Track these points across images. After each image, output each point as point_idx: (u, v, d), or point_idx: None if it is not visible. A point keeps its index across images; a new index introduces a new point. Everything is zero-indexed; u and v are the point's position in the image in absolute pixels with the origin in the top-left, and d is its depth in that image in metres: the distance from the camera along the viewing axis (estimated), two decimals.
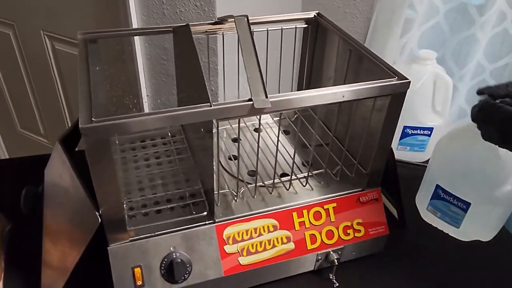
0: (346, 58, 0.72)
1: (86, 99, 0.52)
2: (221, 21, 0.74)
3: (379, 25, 1.21)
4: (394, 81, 0.59)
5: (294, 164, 0.68)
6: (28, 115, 1.70)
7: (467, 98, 1.23)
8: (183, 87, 0.78)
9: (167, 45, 1.12)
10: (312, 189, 0.70)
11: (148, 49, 1.15)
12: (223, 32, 0.75)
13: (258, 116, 0.60)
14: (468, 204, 0.72)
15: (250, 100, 0.53)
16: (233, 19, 0.64)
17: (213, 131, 0.55)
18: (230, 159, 0.76)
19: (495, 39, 1.15)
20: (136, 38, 1.12)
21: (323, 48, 0.81)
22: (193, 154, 0.75)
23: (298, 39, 0.82)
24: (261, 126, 0.86)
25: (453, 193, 0.73)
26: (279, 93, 0.86)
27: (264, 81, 0.54)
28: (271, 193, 0.68)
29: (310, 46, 0.84)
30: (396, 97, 0.60)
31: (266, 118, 0.88)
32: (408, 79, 0.59)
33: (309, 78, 0.88)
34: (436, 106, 0.91)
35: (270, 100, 0.53)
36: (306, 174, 0.71)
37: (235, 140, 0.82)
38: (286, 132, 0.85)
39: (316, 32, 0.82)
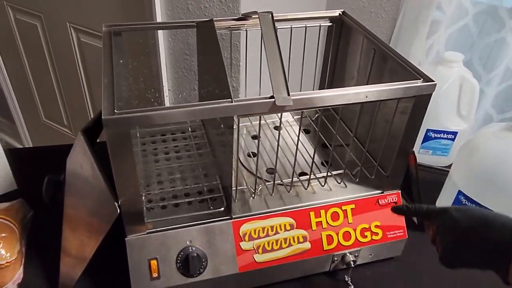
0: (370, 57, 0.70)
1: (109, 91, 0.53)
2: (245, 17, 0.74)
3: (405, 26, 1.19)
4: (419, 83, 0.58)
5: (314, 164, 0.68)
6: (52, 105, 1.74)
7: (494, 103, 1.19)
8: (205, 83, 0.78)
9: (190, 40, 1.13)
10: (331, 189, 0.69)
11: (171, 44, 1.16)
12: (246, 29, 0.75)
13: (279, 114, 0.60)
14: None
15: (272, 97, 0.53)
16: (257, 15, 0.64)
17: (234, 127, 0.55)
18: (249, 156, 0.76)
19: None
20: (160, 32, 1.13)
21: (346, 47, 0.80)
22: (212, 149, 0.75)
23: (321, 37, 0.81)
24: (281, 124, 0.85)
25: (475, 200, 0.71)
26: (301, 91, 0.87)
27: (287, 78, 0.54)
28: (289, 192, 0.67)
29: (334, 45, 0.83)
30: (420, 99, 0.59)
31: (287, 116, 0.87)
32: (434, 81, 0.58)
33: (331, 77, 0.87)
34: (462, 110, 0.89)
35: (292, 98, 0.53)
36: (325, 174, 0.70)
37: (255, 137, 0.81)
38: (306, 131, 0.85)
39: (341, 31, 0.81)
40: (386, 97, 0.57)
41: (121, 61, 0.70)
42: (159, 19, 1.13)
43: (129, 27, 0.70)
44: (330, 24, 0.80)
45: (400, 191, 0.70)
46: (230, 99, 0.52)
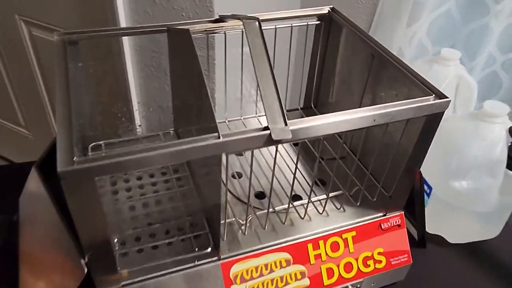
0: (366, 62, 0.62)
1: (65, 129, 0.42)
2: (223, 18, 0.64)
3: (386, 11, 1.12)
4: (431, 100, 0.50)
5: (309, 186, 0.60)
6: (6, 104, 1.58)
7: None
8: (180, 95, 0.68)
9: (158, 35, 1.01)
10: (328, 214, 0.62)
11: (136, 39, 1.04)
12: (225, 31, 0.65)
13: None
14: None
15: (266, 128, 0.44)
16: (238, 19, 0.54)
17: (221, 164, 0.46)
18: (233, 177, 0.67)
19: (510, 29, 1.08)
20: (123, 25, 1.01)
21: (336, 47, 0.72)
22: (195, 181, 0.65)
23: (309, 37, 0.72)
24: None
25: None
26: (286, 96, 0.78)
27: (282, 103, 0.45)
28: (283, 223, 0.60)
29: (322, 46, 0.74)
30: (432, 117, 0.52)
31: None
32: (447, 97, 0.51)
33: (319, 80, 0.79)
34: (457, 110, 0.83)
35: (291, 128, 0.44)
36: (322, 199, 0.62)
37: (239, 153, 0.73)
38: (295, 143, 0.76)
39: (329, 30, 0.72)
40: (397, 118, 0.49)
41: (80, 64, 0.59)
42: (121, 10, 1.00)
43: (87, 34, 0.59)
44: (318, 22, 0.71)
45: (403, 211, 0.64)
46: (216, 134, 0.42)
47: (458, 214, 0.71)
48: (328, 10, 0.70)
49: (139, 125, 0.90)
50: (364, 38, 0.63)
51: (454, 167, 0.67)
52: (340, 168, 0.68)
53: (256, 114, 0.80)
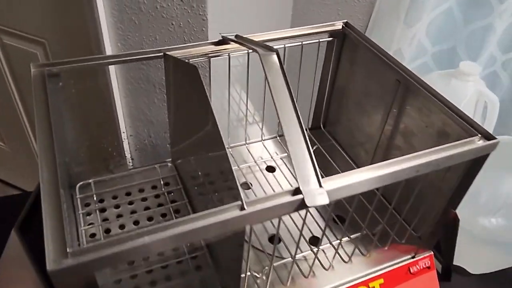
0: (388, 86, 0.56)
1: (52, 189, 0.34)
2: (226, 40, 0.56)
3: (384, 10, 1.05)
4: (477, 141, 0.44)
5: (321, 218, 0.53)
6: None
7: None
8: (178, 123, 0.60)
9: (145, 47, 0.92)
10: (351, 260, 0.56)
11: (121, 49, 0.95)
12: (229, 53, 0.57)
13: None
14: None
15: (297, 191, 0.37)
16: (250, 48, 0.47)
17: (245, 238, 0.38)
18: None
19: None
20: (106, 37, 0.92)
21: (350, 65, 0.65)
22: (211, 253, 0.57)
23: (320, 55, 0.65)
24: (273, 162, 0.69)
25: None
26: None
27: (315, 159, 0.38)
28: (306, 277, 0.53)
29: (334, 63, 0.67)
30: (477, 160, 0.45)
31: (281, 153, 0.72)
32: (495, 138, 0.44)
33: (329, 99, 0.72)
34: None
35: (327, 190, 0.37)
36: (344, 241, 0.56)
37: (246, 186, 0.65)
38: None
39: (342, 47, 0.65)
40: (441, 166, 0.43)
41: (62, 96, 0.51)
42: (102, 18, 0.91)
43: (70, 66, 0.50)
44: (331, 39, 0.64)
45: (432, 252, 0.58)
46: (240, 203, 0.35)
47: (483, 245, 0.66)
48: (342, 25, 0.63)
49: (132, 159, 0.82)
50: (386, 60, 0.56)
51: (483, 203, 0.61)
52: (363, 207, 0.61)
53: (262, 138, 0.72)
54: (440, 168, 0.43)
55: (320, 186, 0.37)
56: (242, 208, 0.35)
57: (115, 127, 0.86)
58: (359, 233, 0.57)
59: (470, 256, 0.69)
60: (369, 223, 0.57)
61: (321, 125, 0.75)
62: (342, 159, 0.69)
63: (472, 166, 0.46)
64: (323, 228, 0.59)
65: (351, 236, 0.57)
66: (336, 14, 1.04)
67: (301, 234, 0.45)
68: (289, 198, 0.36)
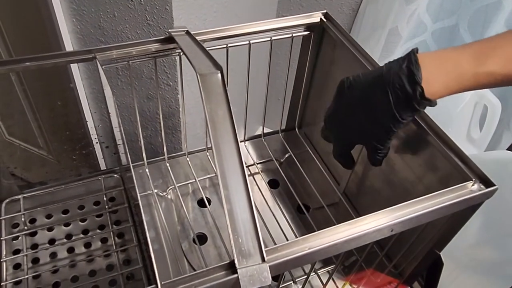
0: None
1: None
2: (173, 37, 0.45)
3: None
4: (475, 189, 0.35)
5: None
6: None
7: None
8: None
9: (103, 24, 0.81)
10: None
11: (78, 27, 0.83)
12: (180, 53, 0.47)
13: None
14: None
15: (231, 266, 0.28)
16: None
17: None
18: (195, 241, 0.52)
19: None
20: (59, 10, 0.80)
21: (329, 61, 0.55)
22: None
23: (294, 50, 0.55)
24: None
25: None
26: (264, 117, 0.61)
27: (258, 225, 0.29)
28: None
29: (311, 59, 0.57)
30: (471, 207, 0.37)
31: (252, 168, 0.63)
32: (494, 184, 0.35)
33: (305, 100, 0.62)
34: (472, 133, 0.68)
35: (269, 264, 0.28)
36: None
37: (202, 203, 0.56)
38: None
39: (320, 41, 0.55)
40: (422, 222, 0.34)
41: None
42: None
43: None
44: (307, 33, 0.53)
45: None
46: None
47: (471, 275, 0.58)
48: (320, 18, 0.52)
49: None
50: (366, 64, 0.46)
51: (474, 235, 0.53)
52: None
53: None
54: (429, 220, 0.34)
55: (263, 260, 0.28)
56: None
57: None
58: (332, 266, 0.50)
59: (456, 284, 0.62)
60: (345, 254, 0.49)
61: (296, 127, 0.66)
62: (318, 171, 0.60)
63: (465, 212, 0.37)
64: None
65: (319, 272, 0.49)
66: None
67: None
68: (219, 278, 0.28)
